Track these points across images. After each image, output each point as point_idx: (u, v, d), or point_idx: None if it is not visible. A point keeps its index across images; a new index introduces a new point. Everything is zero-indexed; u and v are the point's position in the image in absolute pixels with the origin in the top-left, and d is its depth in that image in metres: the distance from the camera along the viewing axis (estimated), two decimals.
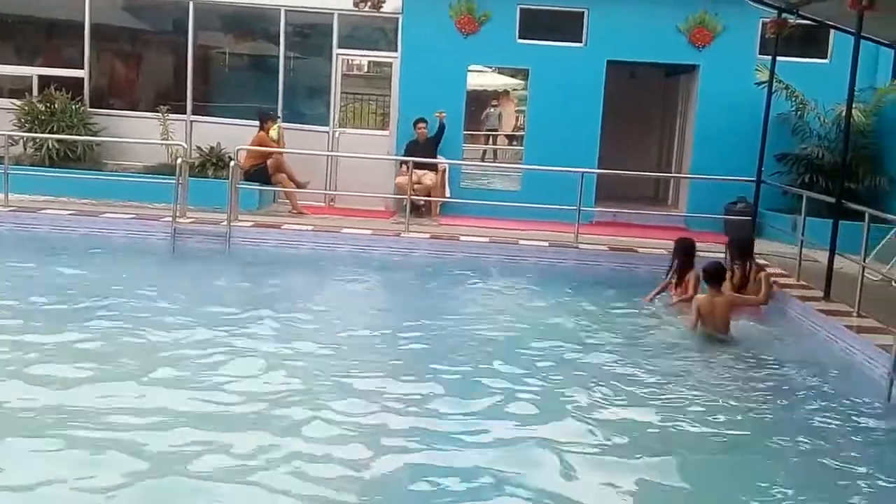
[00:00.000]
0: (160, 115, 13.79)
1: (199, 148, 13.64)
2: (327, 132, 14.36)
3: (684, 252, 9.51)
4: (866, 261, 8.86)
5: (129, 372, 6.42)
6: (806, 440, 5.99)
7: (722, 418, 6.28)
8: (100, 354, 6.78)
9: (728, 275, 8.94)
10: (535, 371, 7.05)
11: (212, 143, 13.63)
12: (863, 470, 5.54)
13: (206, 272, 10.21)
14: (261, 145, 12.98)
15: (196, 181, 12.44)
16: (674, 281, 9.46)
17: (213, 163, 13.32)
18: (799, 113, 13.53)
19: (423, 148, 13.48)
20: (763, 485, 5.21)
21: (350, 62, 15.14)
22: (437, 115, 13.53)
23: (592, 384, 6.76)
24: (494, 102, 23.55)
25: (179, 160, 11.70)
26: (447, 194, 13.83)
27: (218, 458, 5.07)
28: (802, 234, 10.44)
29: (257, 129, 13.20)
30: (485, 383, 6.67)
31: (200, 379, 6.39)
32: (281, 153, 13.20)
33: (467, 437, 5.59)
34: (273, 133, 13.21)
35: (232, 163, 11.85)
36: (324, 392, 6.29)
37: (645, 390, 6.75)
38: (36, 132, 13.40)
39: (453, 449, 5.41)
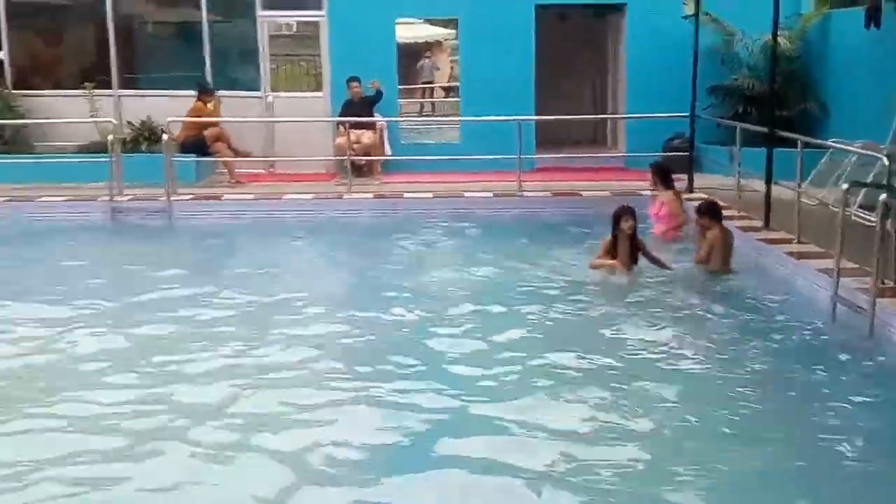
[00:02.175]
0: (86, 91, 13.45)
1: (129, 123, 13.36)
2: (260, 97, 14.15)
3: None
4: (802, 186, 9.06)
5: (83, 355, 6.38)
6: (760, 364, 6.23)
7: (687, 353, 6.48)
8: (53, 337, 6.71)
9: None
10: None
11: (142, 116, 13.36)
12: (816, 386, 5.84)
13: (149, 249, 10.08)
14: (197, 116, 12.75)
15: (130, 157, 12.19)
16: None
17: (145, 137, 13.06)
18: (728, 45, 13.66)
19: (358, 107, 13.36)
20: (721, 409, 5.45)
21: (278, 23, 14.86)
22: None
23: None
24: (428, 54, 23.38)
25: (110, 137, 11.45)
26: (387, 152, 13.76)
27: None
28: (739, 166, 10.62)
29: (194, 99, 12.95)
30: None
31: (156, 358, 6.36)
32: (218, 123, 12.97)
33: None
34: (210, 105, 12.97)
35: (165, 136, 11.64)
36: (276, 344, 6.51)
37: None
38: None
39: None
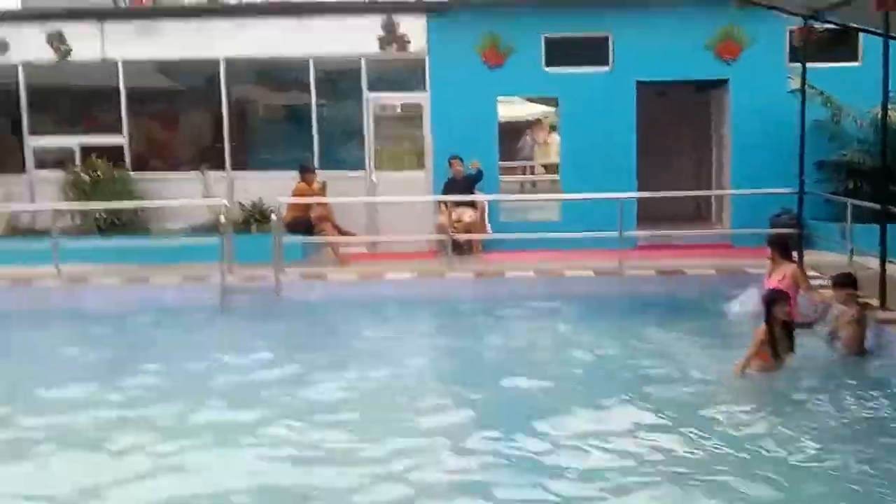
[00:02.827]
0: (200, 173, 14.03)
1: (240, 203, 13.84)
2: (364, 176, 14.50)
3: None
4: None
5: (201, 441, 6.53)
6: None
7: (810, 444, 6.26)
8: (168, 426, 6.89)
9: None
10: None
11: (253, 196, 13.85)
12: None
13: (256, 329, 10.40)
14: (301, 196, 13.14)
15: (240, 237, 12.61)
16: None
17: (255, 218, 13.49)
18: (835, 118, 13.42)
19: (460, 185, 13.55)
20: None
21: (383, 104, 15.28)
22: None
23: None
24: (528, 132, 23.47)
25: (222, 218, 11.87)
26: (488, 230, 13.86)
27: None
28: (851, 243, 10.32)
29: (298, 180, 13.38)
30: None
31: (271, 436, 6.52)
32: (324, 203, 13.32)
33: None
34: (315, 185, 13.35)
35: (273, 216, 12.00)
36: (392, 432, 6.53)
37: None
38: (81, 202, 13.68)
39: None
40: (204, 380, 8.00)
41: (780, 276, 9.75)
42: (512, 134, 22.03)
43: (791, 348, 7.75)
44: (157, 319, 10.69)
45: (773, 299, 7.72)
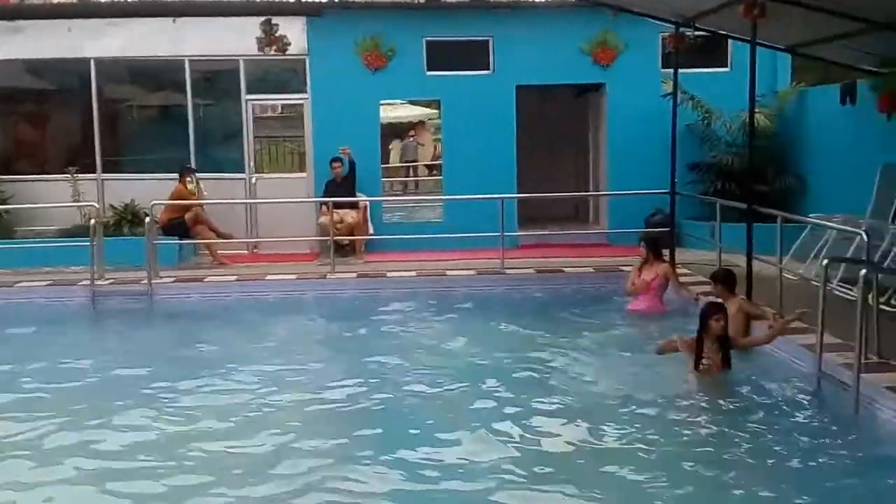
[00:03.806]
0: (69, 175, 13.51)
1: (112, 206, 13.38)
2: (244, 179, 14.22)
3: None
4: (783, 262, 9.08)
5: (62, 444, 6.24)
6: (744, 444, 6.17)
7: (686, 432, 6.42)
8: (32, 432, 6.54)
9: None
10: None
11: (125, 199, 13.39)
12: (800, 466, 5.81)
13: (129, 333, 10.03)
14: (179, 198, 12.79)
15: (112, 240, 12.16)
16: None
17: (128, 220, 13.06)
18: (706, 122, 13.88)
19: (341, 186, 13.43)
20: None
21: (263, 106, 15.03)
22: (342, 151, 13.48)
23: None
24: (412, 133, 23.58)
25: (92, 221, 11.45)
26: (370, 231, 13.79)
27: None
28: (720, 242, 10.67)
29: (177, 181, 13.02)
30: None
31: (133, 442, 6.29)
32: (199, 205, 13.01)
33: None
34: (190, 186, 13.02)
35: (147, 219, 11.64)
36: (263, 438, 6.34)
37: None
38: None
39: None
40: (69, 390, 7.61)
41: (652, 273, 10.05)
42: (395, 136, 22.14)
43: (727, 364, 7.43)
44: (23, 324, 10.16)
45: (708, 312, 7.49)
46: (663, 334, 8.71)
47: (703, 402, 7.06)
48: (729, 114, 13.69)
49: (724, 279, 8.68)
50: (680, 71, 12.24)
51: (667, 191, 12.06)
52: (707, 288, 10.05)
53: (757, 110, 12.01)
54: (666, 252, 11.77)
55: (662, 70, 13.82)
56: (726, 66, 14.18)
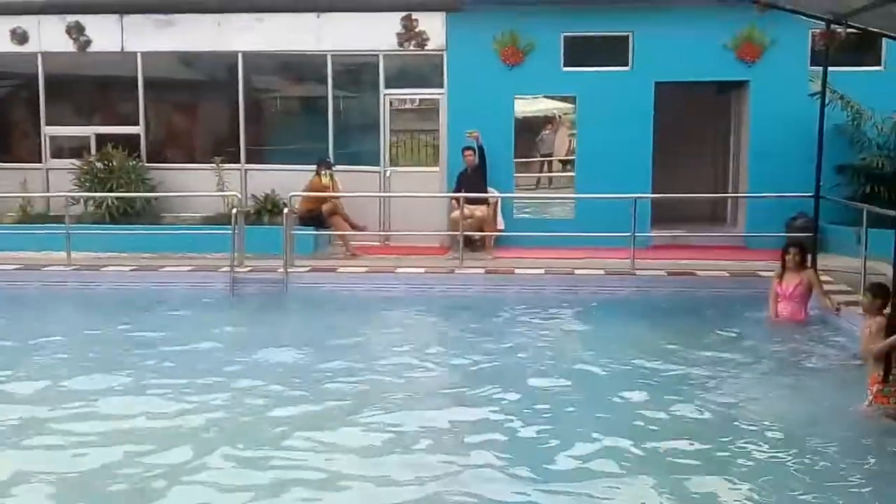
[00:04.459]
0: (214, 165, 14.09)
1: (254, 196, 13.87)
2: (379, 172, 14.48)
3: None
4: None
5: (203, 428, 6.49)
6: None
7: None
8: (174, 411, 6.83)
9: None
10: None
11: (266, 189, 13.85)
12: None
13: (264, 320, 10.40)
14: (314, 190, 13.14)
15: (252, 229, 12.68)
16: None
17: (268, 210, 13.51)
18: (856, 123, 13.24)
19: (471, 176, 13.47)
20: None
21: (399, 100, 15.25)
22: (470, 135, 13.49)
23: None
24: (549, 127, 23.42)
25: (234, 210, 11.90)
26: (500, 226, 13.79)
27: None
28: (866, 249, 10.15)
29: (313, 173, 13.39)
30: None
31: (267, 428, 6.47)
32: (336, 197, 13.33)
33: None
34: (325, 179, 13.35)
35: (286, 209, 12.00)
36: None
37: None
38: (96, 191, 13.76)
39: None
40: (207, 372, 7.92)
41: (796, 280, 9.64)
42: (532, 130, 22.06)
43: None
44: (165, 307, 10.67)
45: None
46: (802, 345, 8.39)
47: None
48: (881, 114, 13.01)
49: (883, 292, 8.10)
50: (830, 69, 11.72)
51: (811, 194, 11.55)
52: (848, 297, 9.66)
53: None
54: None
55: (811, 68, 13.23)
56: (879, 66, 13.47)
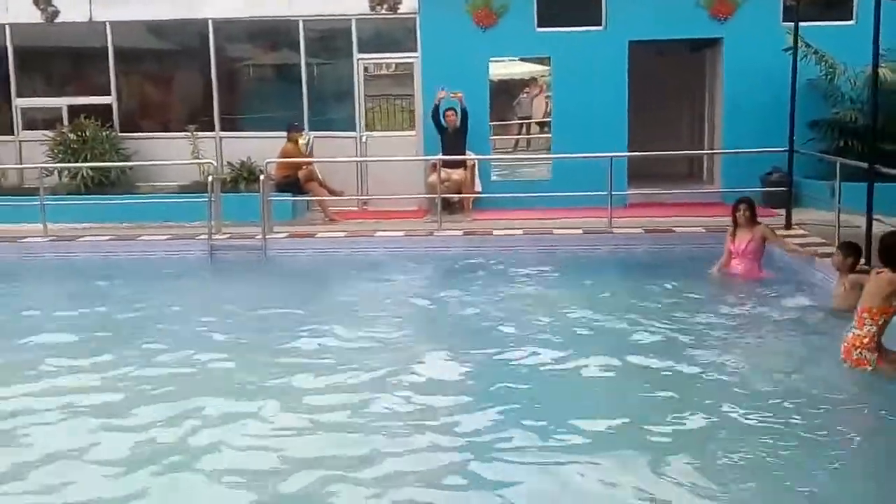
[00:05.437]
0: (189, 134, 13.99)
1: (229, 163, 13.81)
2: (355, 137, 14.43)
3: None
4: None
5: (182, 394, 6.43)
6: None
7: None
8: (156, 377, 6.79)
9: None
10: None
11: (242, 157, 13.78)
12: None
13: (244, 286, 10.37)
14: (288, 156, 13.09)
15: (229, 196, 12.63)
16: None
17: (244, 177, 13.45)
18: (829, 77, 13.29)
19: (452, 137, 13.46)
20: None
21: (373, 65, 15.18)
22: (452, 95, 13.44)
23: None
24: (526, 90, 23.39)
25: (210, 177, 11.85)
26: (478, 189, 13.81)
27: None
28: (839, 202, 10.24)
29: (285, 140, 13.33)
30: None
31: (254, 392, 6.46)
32: (310, 163, 13.29)
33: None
34: (301, 144, 13.30)
35: (262, 176, 11.97)
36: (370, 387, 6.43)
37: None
38: (69, 161, 13.65)
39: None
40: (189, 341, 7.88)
41: (748, 237, 9.62)
42: (508, 93, 22.04)
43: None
44: (144, 276, 10.65)
45: None
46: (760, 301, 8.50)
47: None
48: (854, 69, 13.07)
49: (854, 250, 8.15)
50: (803, 25, 11.79)
51: (785, 149, 11.67)
52: (823, 249, 9.76)
53: (883, 65, 11.53)
54: (782, 212, 11.50)
55: (784, 24, 13.26)
56: (851, 20, 13.51)
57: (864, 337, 6.38)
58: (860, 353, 6.41)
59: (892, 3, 11.03)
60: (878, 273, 6.61)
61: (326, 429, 5.75)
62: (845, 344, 6.53)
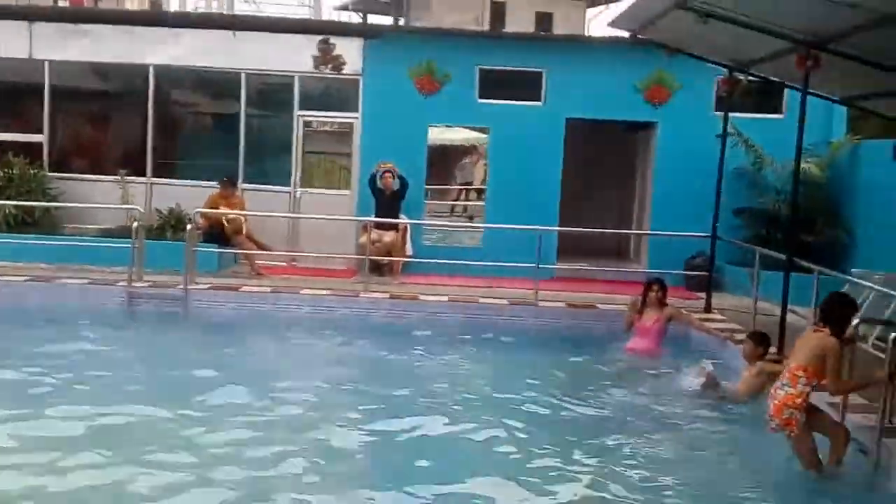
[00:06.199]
0: (118, 178, 13.81)
1: (157, 210, 13.62)
2: (289, 192, 14.38)
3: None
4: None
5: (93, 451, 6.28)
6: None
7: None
8: (62, 437, 6.58)
9: None
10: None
11: (172, 204, 13.60)
12: None
13: (160, 339, 10.15)
14: (213, 207, 12.97)
15: (155, 244, 12.41)
16: None
17: (171, 225, 13.27)
18: (757, 167, 13.68)
19: (388, 200, 13.47)
20: None
21: (313, 122, 15.21)
22: (381, 165, 13.52)
23: None
24: (469, 156, 23.60)
25: (135, 223, 11.65)
26: (409, 252, 13.81)
27: None
28: (757, 290, 10.46)
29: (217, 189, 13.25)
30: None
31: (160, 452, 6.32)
32: (236, 216, 13.16)
33: None
34: (236, 198, 13.24)
35: (189, 225, 11.82)
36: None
37: None
38: None
39: None
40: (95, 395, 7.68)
41: (655, 315, 9.78)
42: (446, 156, 22.25)
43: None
44: (57, 321, 10.35)
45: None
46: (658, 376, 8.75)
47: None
48: (781, 161, 13.46)
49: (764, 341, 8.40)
50: (734, 115, 12.17)
51: (708, 234, 11.92)
52: (738, 336, 9.91)
53: (808, 160, 11.93)
54: (703, 295, 11.70)
55: (716, 113, 13.63)
56: (781, 113, 13.97)
57: (797, 396, 6.23)
58: (791, 412, 6.24)
59: (821, 102, 11.54)
60: (815, 331, 6.51)
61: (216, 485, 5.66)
62: (775, 402, 6.32)
